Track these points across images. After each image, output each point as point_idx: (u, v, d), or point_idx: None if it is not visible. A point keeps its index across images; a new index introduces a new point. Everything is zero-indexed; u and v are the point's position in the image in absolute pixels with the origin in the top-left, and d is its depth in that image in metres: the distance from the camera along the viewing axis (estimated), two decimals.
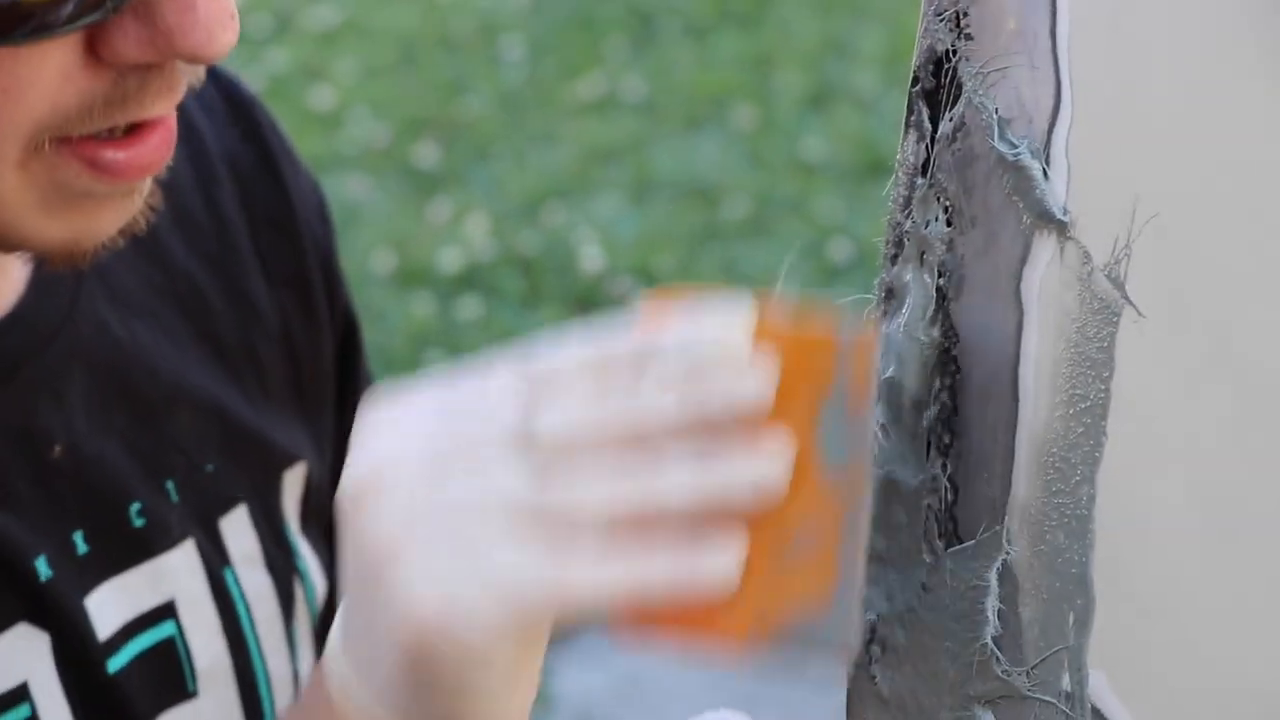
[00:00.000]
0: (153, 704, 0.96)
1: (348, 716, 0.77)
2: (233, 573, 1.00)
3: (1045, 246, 0.78)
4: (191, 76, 0.86)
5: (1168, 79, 0.76)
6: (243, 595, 1.00)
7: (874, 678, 0.85)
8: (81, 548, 0.94)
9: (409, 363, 3.96)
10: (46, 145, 0.82)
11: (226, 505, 1.01)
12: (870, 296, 0.84)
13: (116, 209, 0.86)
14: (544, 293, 4.32)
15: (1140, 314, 0.77)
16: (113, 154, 0.83)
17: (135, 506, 0.96)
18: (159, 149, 0.85)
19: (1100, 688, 0.79)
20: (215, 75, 1.06)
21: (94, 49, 0.81)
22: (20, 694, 0.91)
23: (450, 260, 4.40)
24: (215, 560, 0.99)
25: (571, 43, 5.55)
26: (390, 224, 4.51)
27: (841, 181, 4.76)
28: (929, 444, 0.81)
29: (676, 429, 0.72)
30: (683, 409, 0.72)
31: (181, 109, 0.87)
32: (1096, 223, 0.77)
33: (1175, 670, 0.78)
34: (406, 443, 0.75)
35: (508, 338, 4.11)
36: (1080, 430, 0.78)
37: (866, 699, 0.85)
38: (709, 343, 0.74)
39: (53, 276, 0.95)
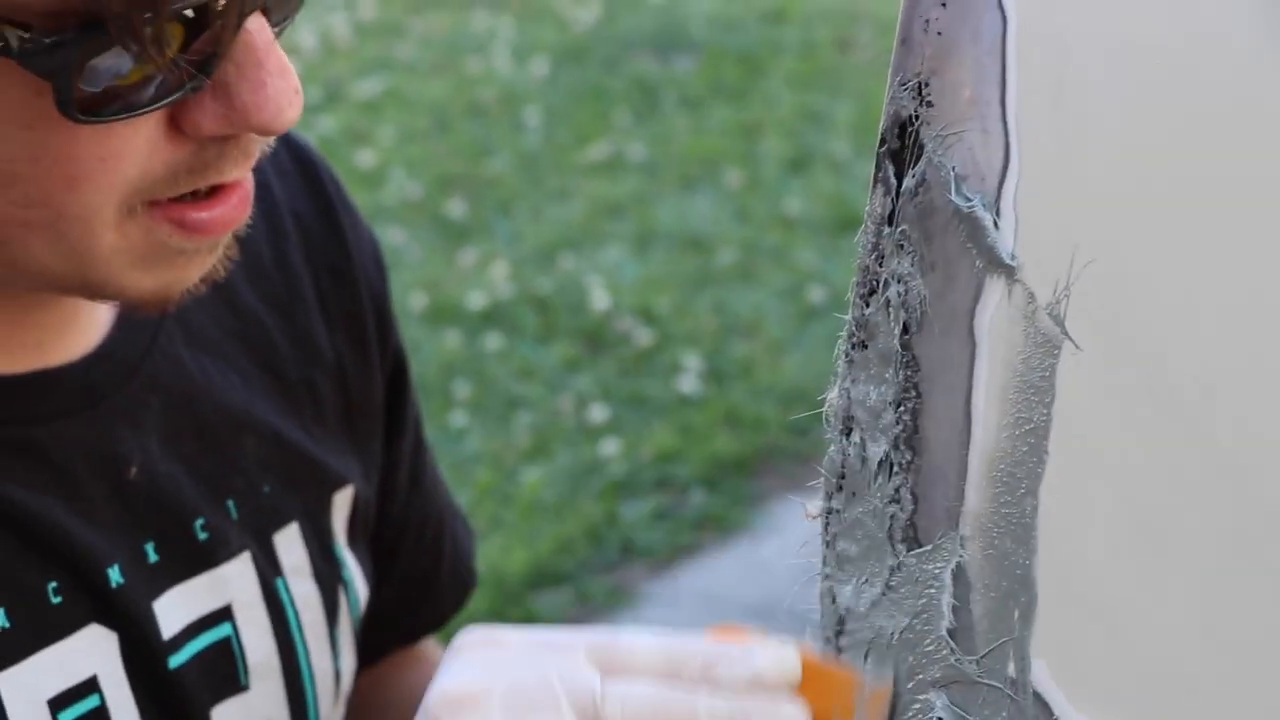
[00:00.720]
0: (209, 696, 0.95)
1: None
2: (284, 582, 1.00)
3: (995, 288, 0.78)
4: (263, 144, 0.86)
5: (1102, 142, 0.76)
6: (292, 601, 1.00)
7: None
8: (152, 557, 0.93)
9: (440, 389, 3.95)
10: (139, 209, 0.82)
11: (280, 523, 1.00)
12: (841, 334, 0.84)
13: (201, 262, 0.86)
14: (557, 329, 4.32)
15: (1078, 347, 0.76)
16: (197, 214, 0.83)
17: (199, 522, 0.96)
18: (238, 208, 0.85)
19: (1041, 674, 0.79)
20: (287, 138, 1.07)
21: (177, 124, 0.81)
22: (91, 686, 0.90)
23: (476, 300, 4.40)
24: (268, 570, 0.99)
25: (583, 112, 5.55)
26: (424, 268, 4.52)
27: (818, 234, 4.76)
28: (893, 461, 0.81)
29: None
30: (731, 716, 0.75)
31: (256, 169, 0.87)
32: (1040, 267, 0.77)
33: (1106, 658, 0.78)
34: (496, 676, 0.77)
35: (526, 368, 4.10)
36: (1025, 449, 0.78)
37: None
38: (769, 661, 0.79)
39: (135, 318, 0.95)
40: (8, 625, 0.87)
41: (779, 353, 4.16)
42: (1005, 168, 0.78)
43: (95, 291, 0.85)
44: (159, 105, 0.79)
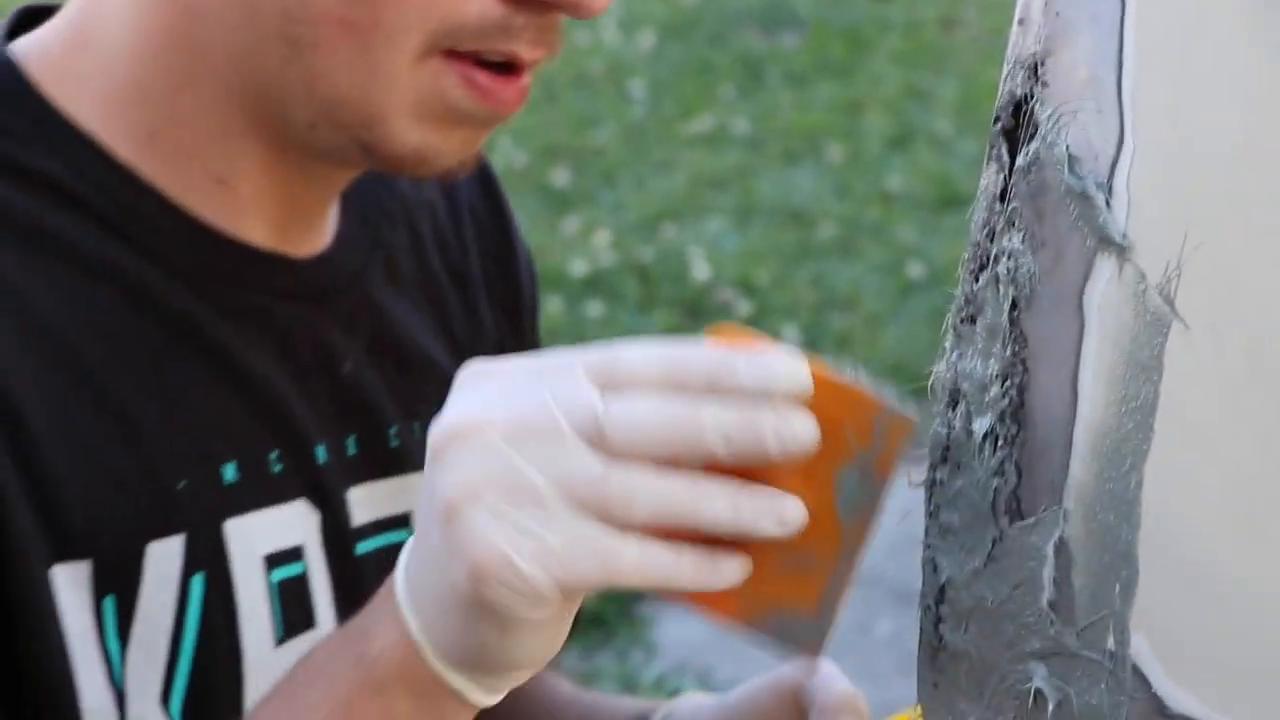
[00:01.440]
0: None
1: (392, 646, 0.78)
2: None
3: (1106, 266, 0.78)
4: (553, 46, 0.90)
5: (1217, 125, 0.76)
6: None
7: (941, 634, 0.85)
8: (351, 449, 0.97)
9: None
10: (437, 56, 0.86)
11: None
12: (942, 306, 0.84)
13: (462, 138, 0.90)
14: (658, 298, 4.32)
15: (1187, 327, 0.76)
16: (488, 81, 0.87)
17: (393, 429, 1.00)
18: (517, 94, 0.90)
19: (1141, 648, 0.79)
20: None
21: None
22: (297, 554, 0.94)
23: (578, 268, 4.41)
24: None
25: (688, 85, 5.55)
26: (528, 236, 4.52)
27: (918, 211, 4.74)
28: (998, 435, 0.81)
29: (730, 445, 0.73)
30: (740, 430, 0.73)
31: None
32: (1151, 247, 0.77)
33: (1205, 634, 0.78)
34: (493, 402, 0.75)
35: (627, 335, 4.11)
36: (1131, 425, 0.78)
37: (934, 652, 0.84)
38: (778, 369, 0.75)
39: (351, 238, 1.00)
40: (237, 479, 0.91)
41: (877, 327, 4.15)
42: (1119, 148, 0.77)
43: (364, 129, 0.89)
44: None
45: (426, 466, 0.76)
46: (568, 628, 0.78)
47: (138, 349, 0.90)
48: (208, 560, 0.90)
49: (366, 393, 0.98)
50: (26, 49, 0.93)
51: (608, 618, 3.22)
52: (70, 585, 0.86)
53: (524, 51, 0.88)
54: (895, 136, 5.18)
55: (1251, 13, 0.75)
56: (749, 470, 0.76)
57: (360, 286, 1.00)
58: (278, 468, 0.93)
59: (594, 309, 4.24)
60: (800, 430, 0.74)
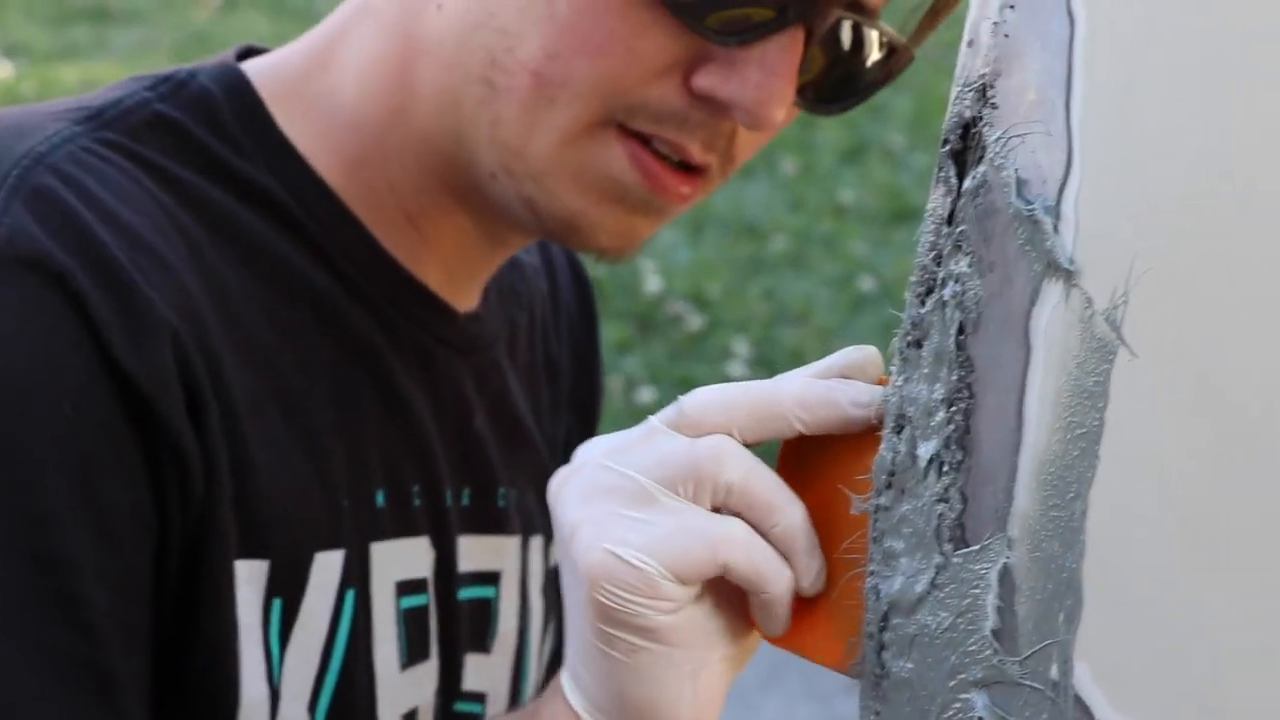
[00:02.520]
0: (468, 642, 1.02)
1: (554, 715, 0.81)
2: (529, 578, 1.08)
3: (1053, 292, 0.77)
4: (721, 158, 0.93)
5: (1166, 150, 0.75)
6: (530, 598, 1.08)
7: (884, 662, 0.84)
8: (466, 500, 1.02)
9: None
10: (611, 129, 0.89)
11: (534, 530, 1.08)
12: (892, 320, 0.84)
13: (622, 220, 0.93)
14: (609, 310, 4.32)
15: (1134, 354, 0.76)
16: (657, 167, 0.89)
17: (500, 491, 1.04)
18: (682, 194, 0.94)
19: (1084, 677, 0.78)
20: (571, 256, 1.19)
21: (688, 74, 0.89)
22: (422, 585, 0.98)
23: None
24: (525, 562, 1.07)
25: None
26: None
27: (870, 224, 4.75)
28: (943, 461, 0.81)
29: (806, 408, 0.76)
30: (817, 395, 0.77)
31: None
32: (1098, 273, 0.76)
33: (1149, 663, 0.77)
34: (597, 446, 0.80)
35: None
36: (1076, 453, 0.77)
37: (877, 680, 0.84)
38: (853, 352, 0.83)
39: (491, 305, 1.06)
40: (385, 506, 0.95)
41: (828, 340, 4.16)
42: (1067, 172, 0.77)
43: (531, 183, 0.92)
44: (727, 38, 0.87)
45: (553, 520, 0.80)
46: (713, 676, 0.79)
47: (323, 367, 0.94)
48: (358, 578, 0.93)
49: (485, 450, 1.03)
50: (262, 66, 0.98)
51: None
52: (247, 581, 0.89)
53: (696, 151, 0.91)
54: (848, 149, 5.19)
55: (1200, 35, 0.74)
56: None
57: (495, 351, 1.05)
58: (417, 502, 0.97)
59: None
60: (871, 391, 0.80)
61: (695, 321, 4.23)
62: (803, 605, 0.83)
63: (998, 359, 0.79)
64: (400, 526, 0.96)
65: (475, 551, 1.02)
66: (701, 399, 0.78)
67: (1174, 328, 0.75)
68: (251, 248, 0.93)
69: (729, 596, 0.80)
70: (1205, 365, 0.75)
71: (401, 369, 0.97)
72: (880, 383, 0.84)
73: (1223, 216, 0.74)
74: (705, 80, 0.88)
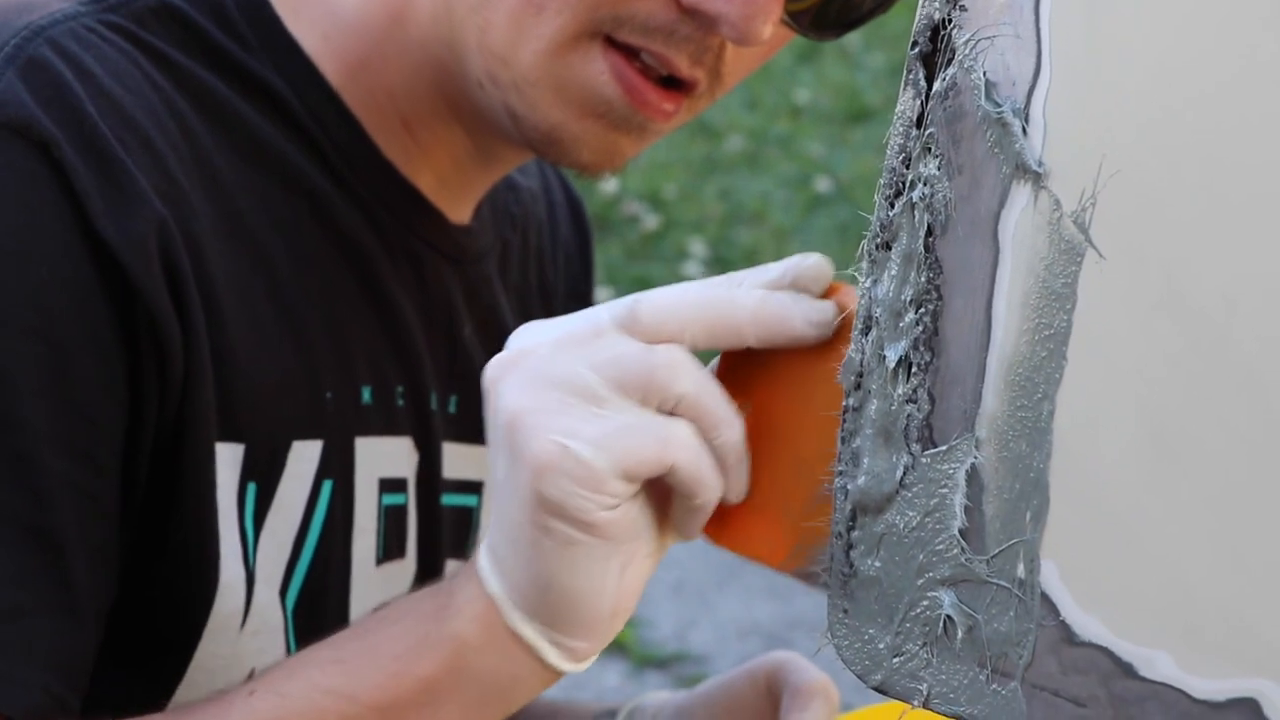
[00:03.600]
0: (449, 547, 1.03)
1: (470, 600, 0.81)
2: None
3: (1021, 194, 0.78)
4: (709, 75, 0.92)
5: (1134, 51, 0.76)
6: None
7: (851, 561, 0.85)
8: (452, 408, 1.02)
9: None
10: (597, 40, 0.89)
11: None
12: (848, 220, 0.84)
13: (604, 136, 0.94)
14: None
15: (1102, 255, 0.76)
16: (641, 83, 0.88)
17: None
18: (668, 108, 0.91)
19: (1050, 576, 0.79)
20: (571, 193, 1.18)
21: None
22: (403, 485, 0.98)
23: None
24: None
25: None
26: None
27: (826, 124, 4.74)
28: (911, 362, 0.81)
29: (758, 322, 0.76)
30: (768, 306, 0.77)
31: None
32: (1067, 175, 0.77)
33: (1114, 562, 0.78)
34: (539, 336, 0.80)
35: None
36: (1044, 354, 0.78)
37: (845, 579, 0.85)
38: (803, 261, 0.82)
39: (484, 223, 1.05)
40: (371, 402, 0.96)
41: (783, 240, 4.16)
42: (1036, 74, 0.77)
43: (514, 92, 0.91)
44: None
45: (486, 407, 0.80)
46: (637, 571, 0.80)
47: (315, 261, 0.94)
48: (338, 470, 0.94)
49: (474, 360, 1.02)
50: None
51: None
52: (225, 464, 0.89)
53: (683, 65, 0.91)
54: (804, 49, 5.17)
55: None
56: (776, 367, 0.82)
57: (487, 265, 1.05)
58: (401, 402, 0.98)
59: None
60: (825, 309, 0.81)
61: (651, 221, 4.22)
62: (736, 507, 0.85)
63: (966, 261, 0.79)
64: (385, 424, 0.97)
65: (460, 459, 1.02)
66: (657, 305, 0.79)
67: (1142, 229, 0.76)
68: (249, 138, 0.94)
69: (657, 495, 0.81)
70: (1172, 266, 0.75)
71: (391, 271, 0.98)
72: (830, 292, 0.85)
73: (1190, 117, 0.74)
74: None
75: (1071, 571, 0.79)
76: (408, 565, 0.99)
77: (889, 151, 0.81)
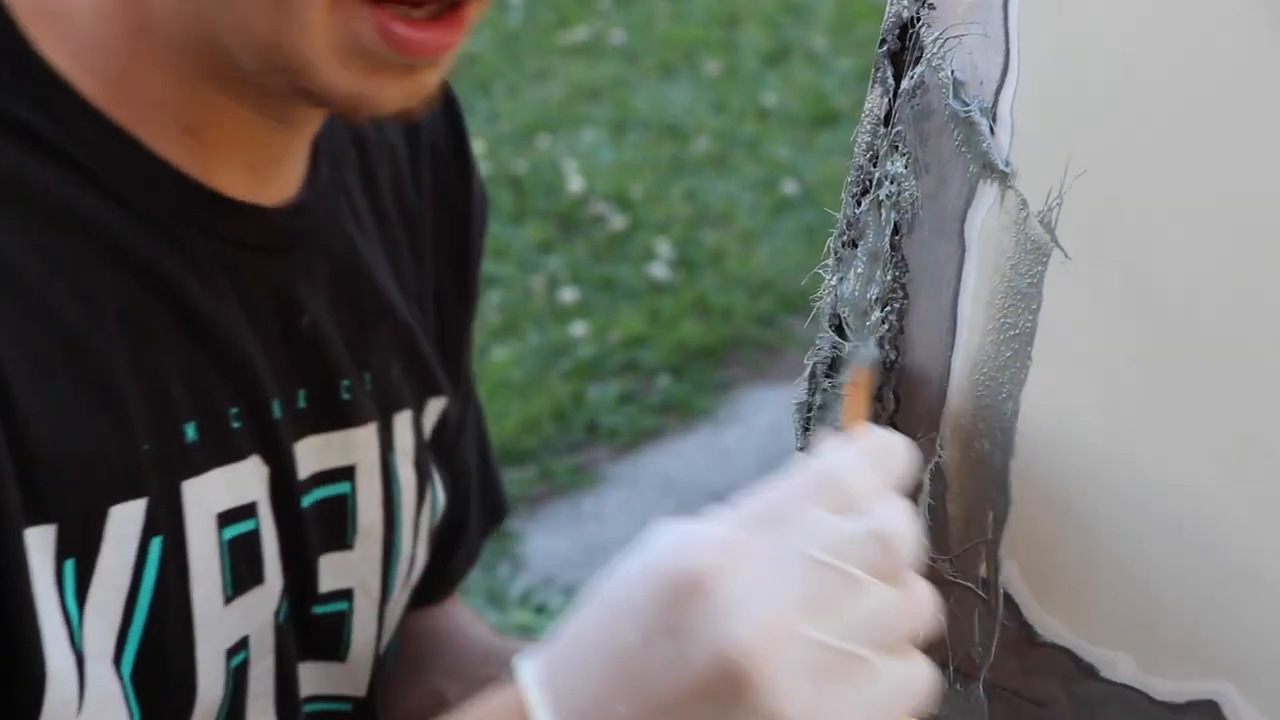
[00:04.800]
0: (322, 543, 0.98)
1: None
2: (394, 460, 1.02)
3: (988, 193, 0.78)
4: None
5: (1101, 53, 0.76)
6: (398, 479, 1.02)
7: None
8: (301, 403, 0.96)
9: None
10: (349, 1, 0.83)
11: (399, 406, 1.03)
12: (815, 224, 0.84)
13: (398, 84, 0.87)
14: (531, 210, 4.30)
15: (1067, 256, 0.76)
16: (404, 30, 0.84)
17: (344, 383, 0.99)
18: (446, 36, 0.86)
19: (1012, 576, 0.79)
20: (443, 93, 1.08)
21: None
22: (251, 510, 0.93)
23: None
24: (386, 445, 1.01)
25: None
26: None
27: (793, 127, 4.74)
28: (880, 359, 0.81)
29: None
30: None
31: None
32: (1033, 175, 0.77)
33: (1076, 563, 0.78)
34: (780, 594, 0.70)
35: (499, 247, 4.09)
36: (1009, 354, 0.78)
37: None
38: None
39: (321, 183, 0.98)
40: (196, 439, 0.90)
41: (749, 243, 4.16)
42: (1004, 74, 0.77)
43: (298, 75, 0.86)
44: None
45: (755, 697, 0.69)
46: None
47: (111, 305, 0.88)
48: (166, 523, 0.88)
49: (321, 345, 0.97)
50: None
51: None
52: (37, 549, 0.84)
53: None
54: (772, 52, 5.17)
55: None
56: None
57: (326, 234, 0.99)
58: (236, 424, 0.92)
59: None
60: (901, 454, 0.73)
61: (618, 222, 4.22)
62: None
63: (932, 260, 0.79)
64: (218, 455, 0.91)
65: (320, 451, 0.97)
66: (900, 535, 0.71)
67: (1107, 229, 0.76)
68: (21, 192, 0.86)
69: None
70: (1136, 265, 0.75)
71: (202, 288, 0.91)
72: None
73: (1157, 119, 0.75)
74: None
75: (1033, 572, 0.79)
76: (268, 589, 0.94)
77: (856, 149, 0.81)
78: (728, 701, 0.68)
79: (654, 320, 3.85)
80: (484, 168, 4.41)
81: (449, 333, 1.10)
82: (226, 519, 0.91)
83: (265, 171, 0.94)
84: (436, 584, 1.16)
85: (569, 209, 4.29)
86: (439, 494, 1.08)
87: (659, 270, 4.04)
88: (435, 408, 1.08)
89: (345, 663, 1.01)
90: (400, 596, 1.05)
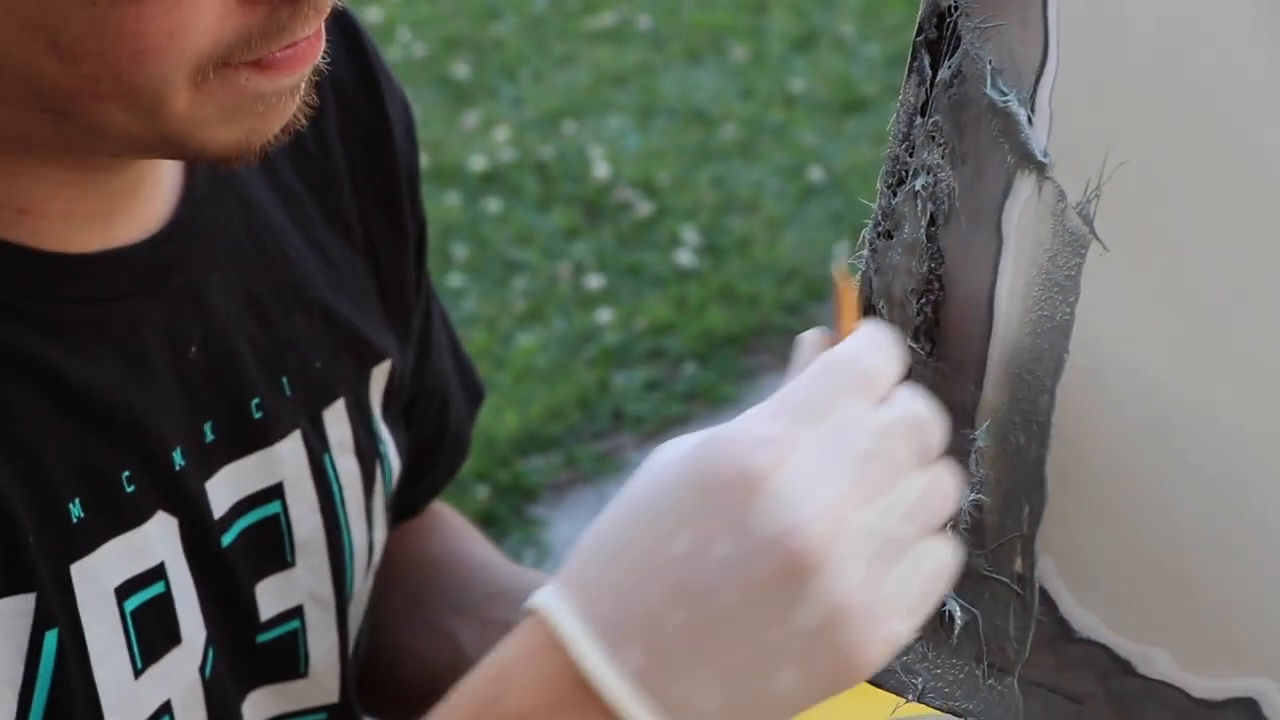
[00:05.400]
0: (255, 572, 0.94)
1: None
2: (330, 457, 0.98)
3: (1026, 184, 0.77)
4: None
5: (1140, 43, 0.75)
6: (337, 477, 0.99)
7: None
8: (209, 437, 0.92)
9: (439, 250, 3.94)
10: (212, 72, 0.79)
11: (329, 398, 0.99)
12: (841, 211, 0.83)
13: (280, 109, 0.82)
14: (557, 196, 4.30)
15: (1105, 248, 0.76)
16: (275, 56, 0.80)
17: (255, 401, 0.94)
18: (313, 46, 0.82)
19: (1048, 571, 0.79)
20: (343, 24, 1.03)
21: None
22: (157, 573, 0.89)
23: (477, 163, 4.37)
24: (318, 447, 0.97)
25: None
26: (426, 129, 4.48)
27: (820, 114, 4.73)
28: (912, 352, 0.81)
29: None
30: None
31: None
32: (1072, 166, 0.76)
33: (1113, 558, 0.78)
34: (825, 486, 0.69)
35: (525, 233, 4.09)
36: (1046, 346, 0.77)
37: None
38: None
39: (200, 193, 0.93)
40: (83, 515, 0.86)
41: (776, 230, 4.15)
42: (1043, 63, 0.76)
43: (177, 149, 0.83)
44: None
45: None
46: None
47: None
48: (61, 613, 0.85)
49: (219, 371, 0.93)
50: None
51: (500, 517, 3.21)
52: None
53: (302, 34, 0.80)
54: (799, 38, 5.16)
55: None
56: None
57: (208, 248, 0.93)
58: (130, 489, 0.87)
59: (492, 205, 4.20)
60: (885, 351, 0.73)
61: (644, 209, 4.21)
62: None
63: (969, 251, 0.79)
64: (111, 526, 0.87)
65: (238, 480, 0.93)
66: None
67: (1146, 221, 0.75)
68: None
69: None
70: (1176, 258, 0.75)
71: (68, 357, 0.86)
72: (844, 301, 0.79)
73: (1196, 108, 0.74)
74: None
75: (1069, 567, 0.79)
76: (188, 647, 0.90)
77: (892, 139, 0.80)
78: (790, 594, 0.67)
79: (680, 307, 3.84)
80: (510, 153, 4.41)
81: (387, 277, 1.05)
82: (127, 590, 0.87)
83: (121, 212, 0.89)
84: (418, 495, 1.13)
85: (595, 195, 4.28)
86: (391, 466, 1.04)
87: (685, 257, 4.03)
88: (381, 373, 1.03)
89: (308, 677, 0.98)
90: (364, 587, 1.02)
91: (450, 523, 1.18)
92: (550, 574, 0.72)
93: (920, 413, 0.72)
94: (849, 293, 0.77)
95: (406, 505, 1.11)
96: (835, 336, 0.75)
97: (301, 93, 0.84)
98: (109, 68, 0.77)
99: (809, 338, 0.76)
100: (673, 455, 0.72)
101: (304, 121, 0.85)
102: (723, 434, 0.71)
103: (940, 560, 0.71)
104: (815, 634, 0.68)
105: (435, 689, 0.84)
